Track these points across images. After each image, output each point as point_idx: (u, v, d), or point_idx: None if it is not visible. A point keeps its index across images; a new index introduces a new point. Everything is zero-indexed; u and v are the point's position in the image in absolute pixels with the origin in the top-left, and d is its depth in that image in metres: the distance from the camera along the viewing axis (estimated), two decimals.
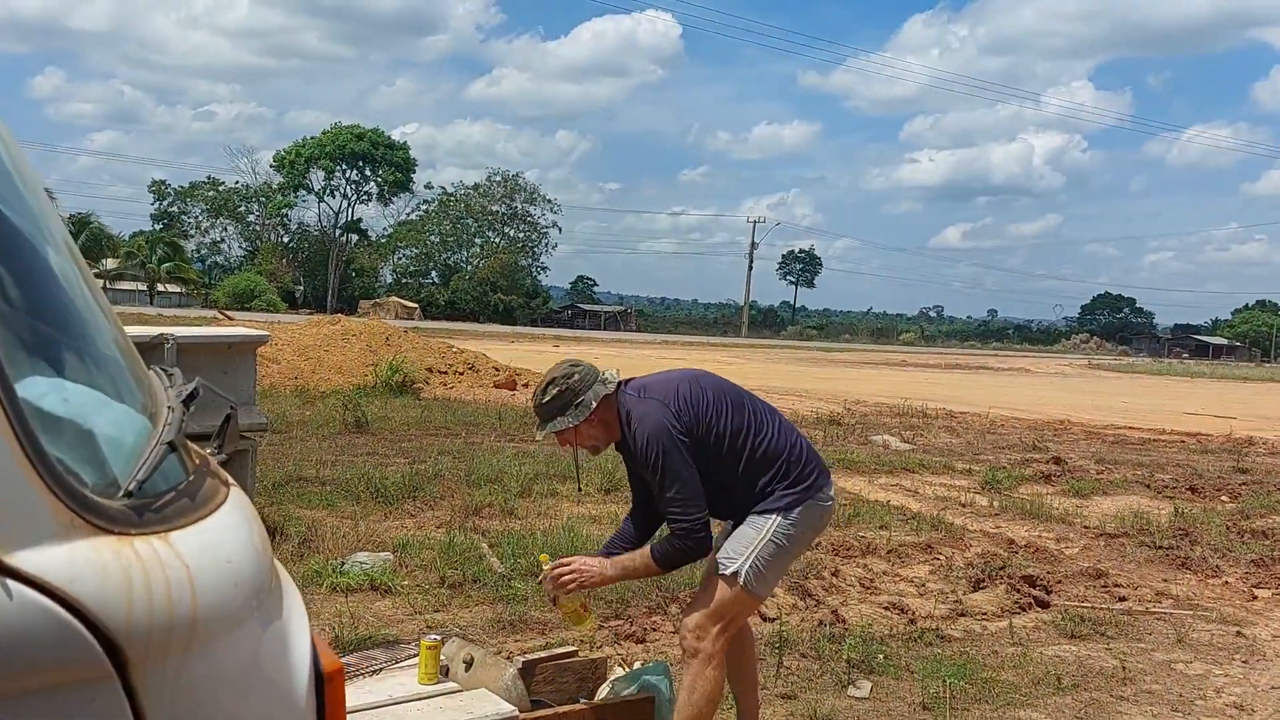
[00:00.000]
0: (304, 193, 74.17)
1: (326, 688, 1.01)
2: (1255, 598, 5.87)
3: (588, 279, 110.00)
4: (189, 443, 0.98)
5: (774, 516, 2.96)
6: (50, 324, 0.90)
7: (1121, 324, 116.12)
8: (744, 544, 2.94)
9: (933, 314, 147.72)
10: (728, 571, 2.93)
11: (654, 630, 4.52)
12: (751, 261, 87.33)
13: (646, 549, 3.00)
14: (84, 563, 0.73)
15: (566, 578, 2.98)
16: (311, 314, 46.69)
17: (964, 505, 8.21)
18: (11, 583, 0.69)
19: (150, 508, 0.83)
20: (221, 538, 0.88)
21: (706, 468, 2.95)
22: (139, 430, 0.94)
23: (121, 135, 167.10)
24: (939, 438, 13.22)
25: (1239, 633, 5.10)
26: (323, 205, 75.40)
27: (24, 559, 0.70)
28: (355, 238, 76.86)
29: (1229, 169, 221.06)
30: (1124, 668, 4.39)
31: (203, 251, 76.59)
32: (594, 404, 2.96)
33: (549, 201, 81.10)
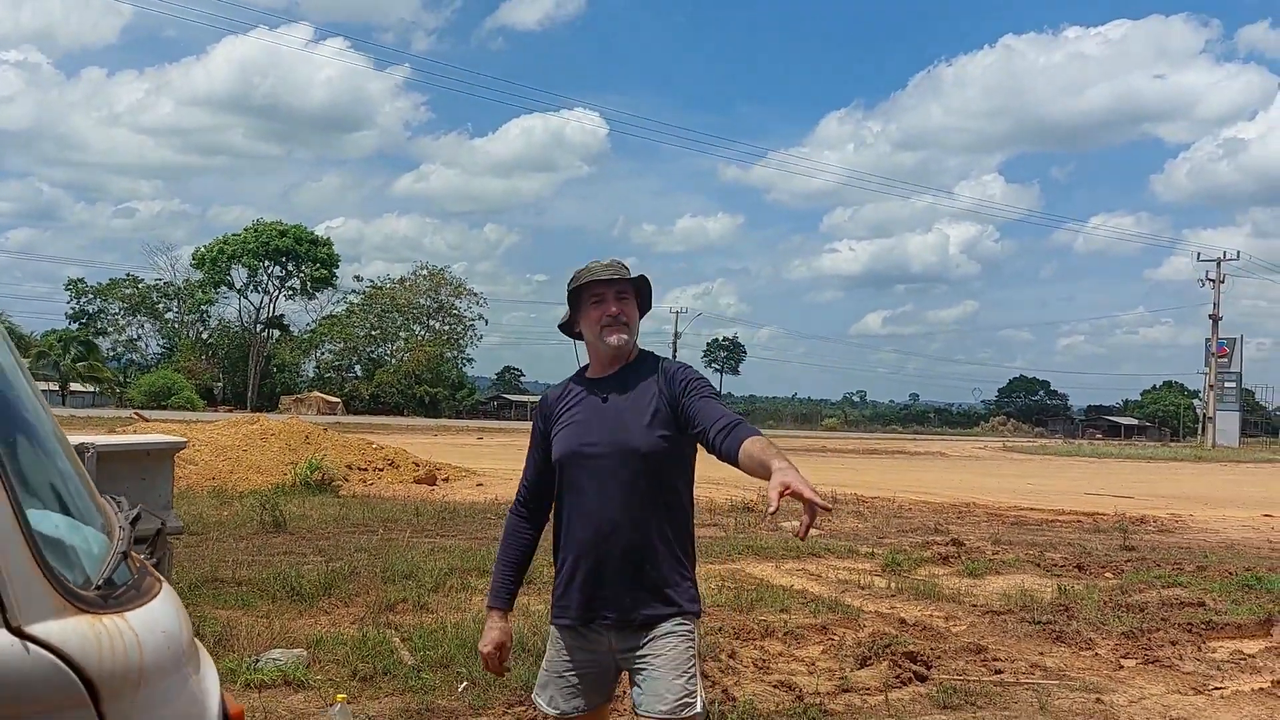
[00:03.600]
0: (225, 289, 73.69)
1: None
2: (1121, 667, 6.31)
3: (515, 369, 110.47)
4: (134, 551, 1.37)
5: (696, 625, 2.67)
6: (37, 467, 1.28)
7: (1038, 406, 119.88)
8: (690, 670, 2.61)
9: (856, 399, 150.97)
10: (697, 710, 2.58)
11: None
12: (675, 350, 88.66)
13: (750, 446, 2.63)
14: (71, 631, 1.12)
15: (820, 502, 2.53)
16: (231, 411, 45.98)
17: (863, 588, 8.62)
18: (30, 645, 1.09)
19: (112, 596, 1.23)
20: (157, 616, 1.28)
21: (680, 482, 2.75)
22: (101, 544, 1.35)
23: (39, 233, 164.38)
24: (847, 523, 13.72)
25: (1098, 699, 5.50)
26: (244, 301, 74.89)
27: (37, 629, 1.10)
28: (277, 333, 76.29)
29: (1133, 256, 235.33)
30: None
31: (119, 349, 75.09)
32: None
33: (474, 294, 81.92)
